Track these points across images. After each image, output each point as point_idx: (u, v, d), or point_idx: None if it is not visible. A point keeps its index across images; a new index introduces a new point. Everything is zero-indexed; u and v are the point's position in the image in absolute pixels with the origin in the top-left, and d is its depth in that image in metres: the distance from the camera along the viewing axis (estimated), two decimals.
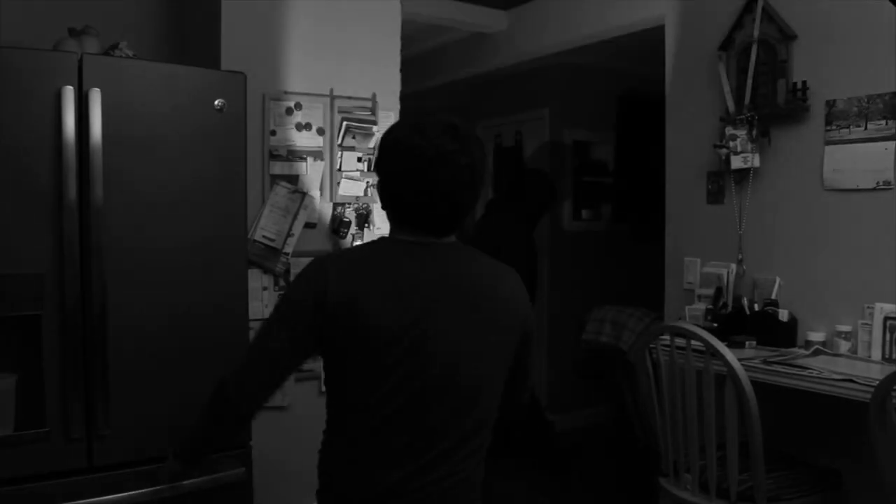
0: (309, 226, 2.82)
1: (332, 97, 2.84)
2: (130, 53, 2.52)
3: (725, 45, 3.17)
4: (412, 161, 1.47)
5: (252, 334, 2.52)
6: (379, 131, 2.93)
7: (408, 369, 1.47)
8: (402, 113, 3.04)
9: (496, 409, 1.58)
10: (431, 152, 1.45)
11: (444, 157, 1.45)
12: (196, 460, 1.80)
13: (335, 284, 1.47)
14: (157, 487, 2.10)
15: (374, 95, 2.95)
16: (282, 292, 2.77)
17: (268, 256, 2.73)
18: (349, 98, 2.88)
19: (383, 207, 1.56)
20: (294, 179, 2.79)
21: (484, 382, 1.53)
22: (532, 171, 4.97)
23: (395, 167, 1.51)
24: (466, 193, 1.50)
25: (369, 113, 2.92)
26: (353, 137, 2.86)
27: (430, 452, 1.50)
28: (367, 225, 2.91)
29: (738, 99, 3.11)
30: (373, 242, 1.62)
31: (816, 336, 2.83)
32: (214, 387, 1.63)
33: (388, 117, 2.98)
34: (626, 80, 5.28)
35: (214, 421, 1.68)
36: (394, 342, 1.46)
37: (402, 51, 3.06)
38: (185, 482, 1.93)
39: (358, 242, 2.90)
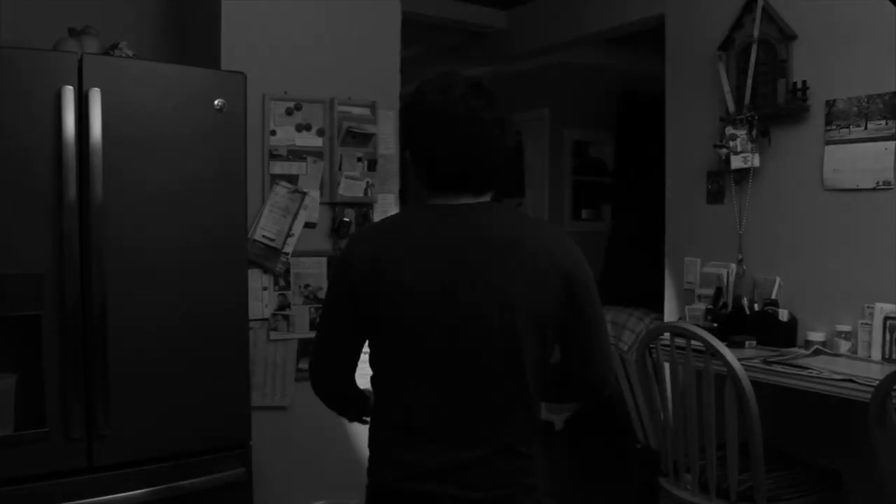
0: (309, 226, 2.82)
1: (332, 97, 2.84)
2: (130, 53, 2.52)
3: (725, 45, 3.17)
4: (437, 119, 1.45)
5: (252, 334, 2.53)
6: (379, 131, 2.93)
7: (438, 324, 1.44)
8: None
9: (532, 374, 1.46)
10: (454, 109, 1.43)
11: (470, 113, 1.43)
12: (360, 416, 1.78)
13: (358, 254, 1.50)
14: (157, 487, 2.11)
15: (373, 96, 2.95)
16: (282, 293, 2.77)
17: (268, 256, 2.73)
18: (349, 98, 2.88)
19: (415, 176, 1.52)
20: (294, 179, 2.79)
21: (514, 341, 1.43)
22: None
23: (420, 128, 1.48)
24: (494, 149, 1.47)
25: (369, 113, 2.91)
26: (353, 138, 2.86)
27: (461, 422, 1.45)
28: (367, 225, 2.91)
29: (738, 99, 3.11)
30: (403, 209, 1.60)
31: (816, 336, 2.83)
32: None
33: (388, 117, 2.98)
34: (626, 80, 5.29)
35: (326, 404, 1.74)
36: (420, 300, 1.43)
37: (402, 51, 3.06)
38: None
39: None
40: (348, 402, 1.72)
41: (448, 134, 1.44)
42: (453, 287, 1.43)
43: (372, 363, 1.59)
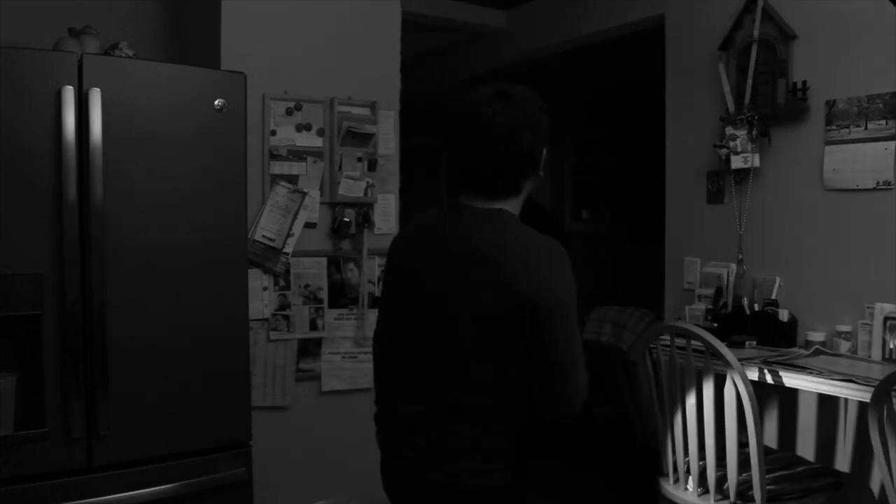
0: (309, 226, 2.82)
1: (332, 97, 2.84)
2: (130, 53, 2.52)
3: (725, 45, 3.17)
4: (451, 119, 1.59)
5: (252, 334, 2.53)
6: (379, 131, 2.93)
7: (417, 313, 1.61)
8: (402, 112, 3.04)
9: (489, 381, 1.54)
10: (465, 109, 1.56)
11: (479, 115, 1.52)
12: None
13: (392, 254, 1.74)
14: (157, 487, 2.11)
15: (373, 96, 2.95)
16: (282, 293, 2.77)
17: (268, 256, 2.73)
18: (349, 98, 2.88)
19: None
20: (294, 179, 2.79)
21: (474, 343, 1.53)
22: None
23: (443, 127, 1.62)
24: (502, 151, 1.53)
25: (369, 113, 2.91)
26: (353, 138, 2.86)
27: (413, 415, 1.59)
28: (367, 225, 2.91)
29: (738, 99, 3.11)
30: (440, 206, 1.75)
31: (816, 336, 2.83)
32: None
33: (388, 117, 2.98)
34: (626, 80, 5.29)
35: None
36: (411, 288, 1.63)
37: (402, 51, 3.06)
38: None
39: (358, 242, 2.91)
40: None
41: (456, 132, 1.57)
42: (441, 289, 1.57)
43: (377, 338, 1.79)
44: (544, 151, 1.61)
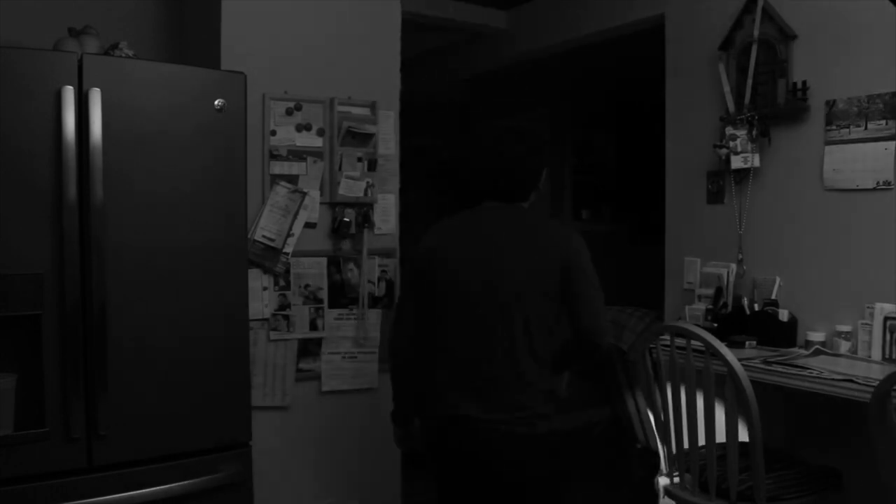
0: (309, 226, 2.82)
1: (332, 97, 2.84)
2: (130, 53, 2.52)
3: (725, 45, 3.17)
4: (477, 150, 2.20)
5: (252, 334, 2.53)
6: (379, 131, 2.93)
7: (468, 304, 2.05)
8: (401, 112, 3.04)
9: (548, 337, 2.05)
10: (488, 143, 2.17)
11: (493, 148, 2.15)
12: (404, 420, 2.24)
13: (423, 245, 2.18)
14: (157, 487, 2.11)
15: (373, 96, 2.95)
16: (282, 293, 2.77)
17: (268, 256, 2.73)
18: (349, 98, 2.88)
19: (471, 184, 2.22)
20: (294, 179, 2.79)
21: (531, 308, 2.02)
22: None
23: (468, 156, 2.25)
24: (514, 171, 2.14)
25: (369, 113, 2.91)
26: (353, 138, 2.86)
27: (483, 378, 2.02)
28: (367, 225, 2.91)
29: (738, 99, 3.11)
30: (458, 213, 2.21)
31: (816, 336, 2.83)
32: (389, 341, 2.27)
33: (388, 117, 2.98)
34: (626, 80, 5.28)
35: (391, 372, 2.24)
36: (456, 285, 2.08)
37: (402, 51, 3.06)
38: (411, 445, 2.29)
39: (358, 242, 2.91)
40: (405, 371, 2.20)
41: (484, 161, 2.17)
42: (481, 271, 2.05)
43: (430, 329, 2.13)
44: (544, 172, 2.20)
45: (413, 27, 3.59)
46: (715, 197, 3.30)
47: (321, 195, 2.84)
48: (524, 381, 2.00)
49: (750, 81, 3.05)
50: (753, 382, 2.31)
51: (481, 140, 2.18)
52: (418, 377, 2.15)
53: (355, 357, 2.92)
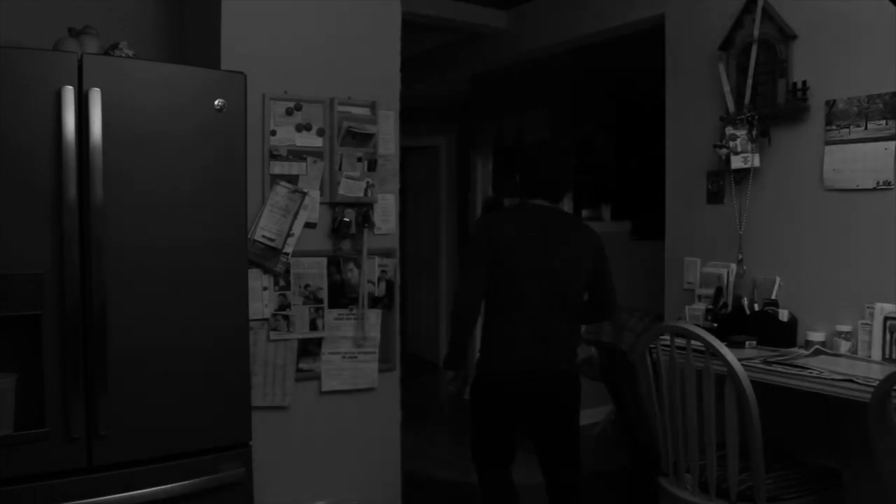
0: (309, 226, 2.82)
1: (332, 97, 2.84)
2: (130, 53, 2.52)
3: (725, 45, 3.17)
4: (534, 162, 2.85)
5: (252, 334, 2.53)
6: (379, 131, 2.93)
7: (528, 277, 2.71)
8: (401, 112, 3.04)
9: (580, 305, 2.82)
10: (543, 156, 2.86)
11: (551, 160, 2.84)
12: (458, 364, 2.79)
13: (487, 225, 2.85)
14: (157, 487, 2.11)
15: (373, 96, 2.95)
16: (282, 293, 2.77)
17: (268, 256, 2.73)
18: (349, 98, 2.88)
19: (521, 188, 2.89)
20: (294, 179, 2.79)
21: (571, 283, 2.77)
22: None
23: (528, 165, 2.87)
24: (562, 180, 2.84)
25: (369, 113, 2.91)
26: (353, 138, 2.86)
27: (539, 335, 2.71)
28: (367, 225, 2.91)
29: (738, 99, 3.11)
30: (512, 206, 3.27)
31: (816, 336, 2.83)
32: (453, 304, 2.80)
33: (388, 117, 2.98)
34: (627, 80, 5.28)
35: (456, 322, 2.77)
36: (521, 257, 2.71)
37: (402, 51, 3.06)
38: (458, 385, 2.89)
39: (358, 242, 2.91)
40: (471, 323, 2.77)
41: (540, 170, 2.83)
42: (539, 251, 2.72)
43: (490, 295, 2.76)
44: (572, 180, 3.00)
45: (413, 27, 3.59)
46: (715, 197, 3.30)
47: (321, 195, 2.84)
48: (564, 337, 2.76)
49: (750, 81, 3.05)
50: (753, 382, 2.31)
51: (542, 153, 2.87)
52: (475, 329, 2.82)
53: (355, 357, 2.92)
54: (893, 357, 2.59)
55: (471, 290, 2.74)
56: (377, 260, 2.96)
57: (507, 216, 2.96)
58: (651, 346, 2.55)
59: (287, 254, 2.77)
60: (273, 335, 2.77)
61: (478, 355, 2.80)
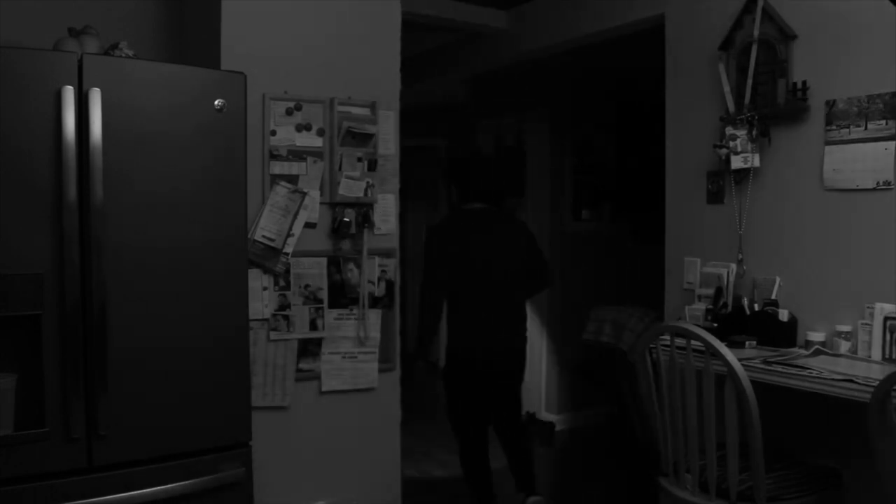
0: (309, 226, 2.82)
1: (332, 97, 2.84)
2: (130, 53, 2.52)
3: (725, 45, 3.17)
4: (471, 167, 3.68)
5: (252, 334, 2.53)
6: (379, 131, 2.93)
7: (473, 271, 3.41)
8: (402, 112, 3.04)
9: (523, 286, 3.57)
10: (477, 162, 3.92)
11: (473, 171, 3.64)
12: (425, 351, 3.55)
13: (437, 236, 3.56)
14: (157, 487, 2.12)
15: (373, 96, 2.95)
16: (282, 293, 2.77)
17: (268, 256, 2.73)
18: (349, 98, 2.88)
19: (459, 194, 3.60)
20: (294, 179, 2.79)
21: (510, 269, 3.47)
22: None
23: (463, 172, 3.65)
24: (491, 188, 3.60)
25: (369, 113, 2.91)
26: (353, 138, 2.86)
27: (490, 321, 3.45)
28: (367, 225, 2.91)
29: (738, 99, 3.11)
30: (453, 212, 3.81)
31: (816, 336, 2.83)
32: (419, 300, 3.46)
33: (388, 117, 2.98)
34: (627, 80, 5.28)
35: (421, 316, 3.45)
36: (464, 258, 3.41)
37: (402, 51, 3.06)
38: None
39: (358, 242, 2.91)
40: (434, 316, 3.48)
41: (473, 180, 3.56)
42: (478, 247, 3.42)
43: (450, 290, 3.47)
44: (524, 186, 4.43)
45: (413, 27, 3.59)
46: (715, 197, 3.30)
47: (321, 195, 2.84)
48: (515, 318, 3.50)
49: (750, 81, 3.05)
50: (753, 382, 2.31)
51: (473, 165, 3.74)
52: (440, 319, 3.51)
53: (355, 357, 2.92)
54: (893, 357, 2.59)
55: (430, 287, 3.45)
56: (377, 260, 2.96)
57: (450, 221, 3.73)
58: (651, 346, 2.55)
59: (287, 254, 2.77)
60: (273, 335, 2.77)
61: (447, 342, 3.53)
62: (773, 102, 3.00)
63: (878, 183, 2.72)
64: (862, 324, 2.70)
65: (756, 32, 3.03)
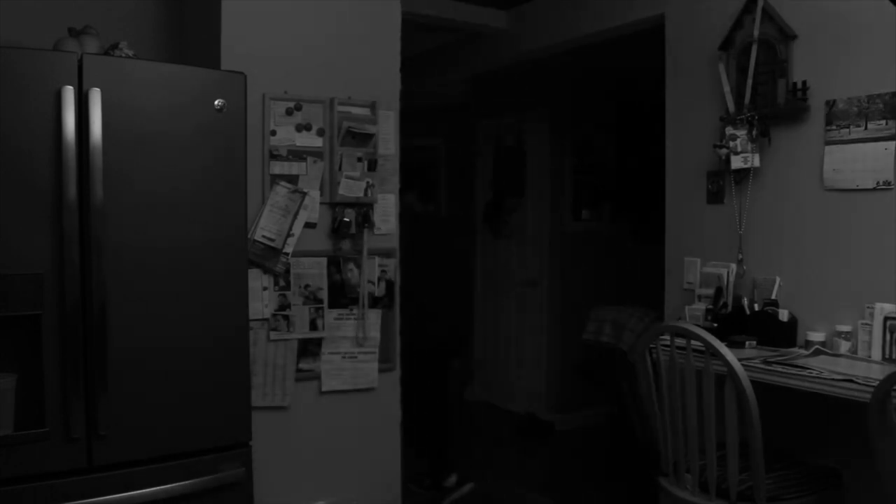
0: (309, 226, 2.82)
1: (332, 97, 2.84)
2: (130, 53, 2.52)
3: (725, 45, 3.17)
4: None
5: (252, 334, 2.53)
6: (379, 131, 2.93)
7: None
8: (401, 112, 3.04)
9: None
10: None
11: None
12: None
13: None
14: (157, 487, 2.11)
15: (373, 96, 2.95)
16: (282, 293, 2.77)
17: (268, 256, 2.73)
18: (349, 98, 2.88)
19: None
20: (294, 179, 2.79)
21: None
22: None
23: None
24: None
25: (369, 113, 2.91)
26: (353, 138, 2.86)
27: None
28: (367, 225, 2.91)
29: (738, 99, 3.11)
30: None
31: (816, 336, 2.83)
32: None
33: (388, 117, 2.98)
34: (627, 80, 5.28)
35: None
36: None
37: (402, 51, 3.06)
38: None
39: (358, 242, 2.91)
40: None
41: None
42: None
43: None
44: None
45: (413, 27, 3.59)
46: (715, 197, 3.30)
47: (321, 195, 2.84)
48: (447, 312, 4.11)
49: (750, 81, 3.05)
50: (753, 382, 2.31)
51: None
52: None
53: (355, 357, 2.92)
54: (893, 357, 2.59)
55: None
56: (377, 260, 2.96)
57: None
58: (651, 346, 2.55)
59: (287, 254, 2.77)
60: (273, 335, 2.77)
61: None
62: (773, 102, 3.00)
63: (878, 183, 2.72)
64: (862, 324, 2.70)
65: (756, 32, 3.03)
